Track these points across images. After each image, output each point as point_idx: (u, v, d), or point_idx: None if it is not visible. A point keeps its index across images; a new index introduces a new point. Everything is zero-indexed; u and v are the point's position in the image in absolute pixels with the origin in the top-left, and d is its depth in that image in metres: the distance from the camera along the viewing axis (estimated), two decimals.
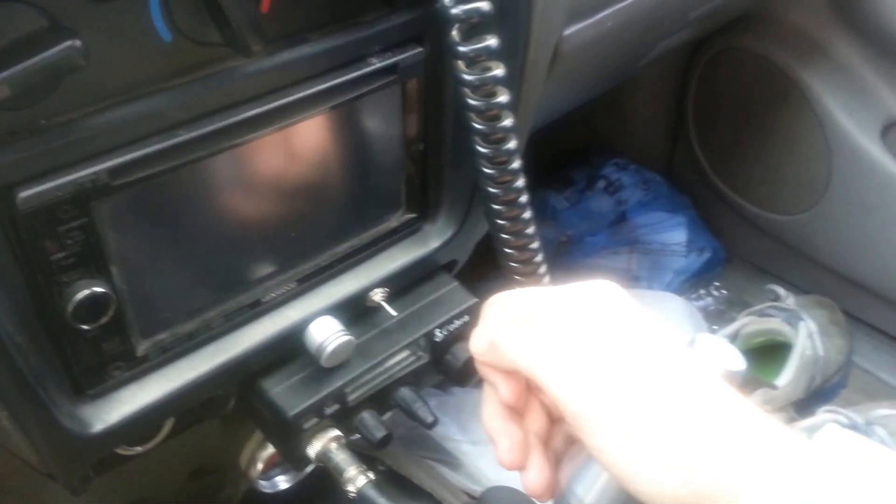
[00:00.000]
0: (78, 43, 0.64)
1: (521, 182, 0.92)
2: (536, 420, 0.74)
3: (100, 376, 0.83)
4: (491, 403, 0.73)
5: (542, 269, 1.01)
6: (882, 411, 1.74)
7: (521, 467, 0.70)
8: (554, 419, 0.74)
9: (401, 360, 1.04)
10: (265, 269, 0.93)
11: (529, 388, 0.73)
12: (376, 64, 0.87)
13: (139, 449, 0.94)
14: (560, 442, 0.75)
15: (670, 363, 0.62)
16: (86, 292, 0.76)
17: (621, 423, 0.60)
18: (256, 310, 0.93)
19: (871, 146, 1.84)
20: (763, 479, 0.56)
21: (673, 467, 0.58)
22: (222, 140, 0.79)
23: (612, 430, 0.60)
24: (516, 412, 0.73)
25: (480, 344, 0.71)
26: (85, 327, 0.78)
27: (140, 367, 0.86)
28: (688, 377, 0.61)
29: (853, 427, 1.65)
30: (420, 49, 0.90)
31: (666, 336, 0.64)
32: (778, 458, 0.57)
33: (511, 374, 0.70)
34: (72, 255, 0.74)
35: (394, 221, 1.03)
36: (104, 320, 0.79)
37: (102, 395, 0.85)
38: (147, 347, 0.86)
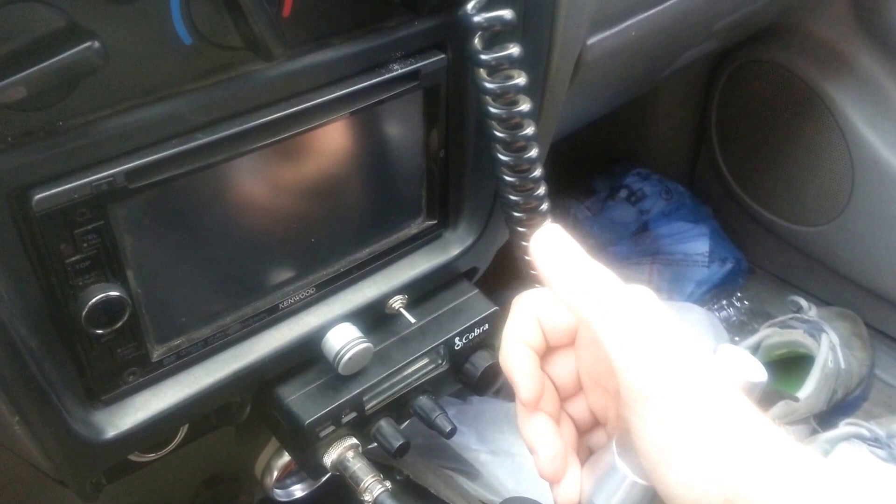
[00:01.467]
0: (97, 44, 0.63)
1: (542, 190, 0.92)
2: (567, 431, 0.73)
3: (114, 382, 0.83)
4: (528, 413, 0.71)
5: None
6: None
7: (560, 478, 0.69)
8: (581, 431, 0.73)
9: (419, 368, 1.03)
10: (283, 274, 0.92)
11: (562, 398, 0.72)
12: (398, 70, 0.87)
13: (152, 456, 0.93)
14: (585, 454, 0.74)
15: (703, 365, 0.61)
16: (101, 296, 0.75)
17: (673, 416, 0.59)
18: (274, 316, 0.93)
19: (894, 159, 1.83)
20: (777, 494, 0.56)
21: (707, 474, 0.57)
22: (242, 144, 0.78)
23: (663, 421, 0.59)
24: (553, 420, 0.71)
25: (563, 260, 0.66)
26: (99, 332, 0.77)
27: (155, 373, 0.85)
28: (723, 388, 0.60)
29: (875, 440, 1.65)
30: (442, 56, 0.90)
31: (699, 347, 0.63)
32: (792, 473, 0.57)
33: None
34: (87, 259, 0.73)
35: (414, 228, 1.02)
36: (119, 325, 0.78)
37: (116, 401, 0.84)
38: (162, 353, 0.85)
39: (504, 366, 0.70)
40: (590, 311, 0.63)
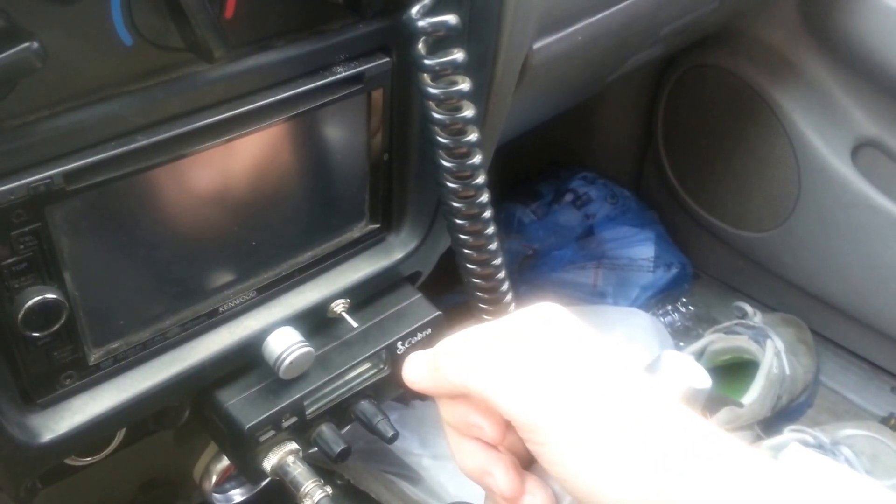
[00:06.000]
0: (35, 45, 0.62)
1: (484, 197, 0.91)
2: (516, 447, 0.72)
3: (50, 385, 0.82)
4: (463, 445, 0.70)
5: (505, 285, 1.00)
6: (848, 431, 1.75)
7: (519, 496, 0.68)
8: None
9: (361, 372, 1.03)
10: (224, 277, 0.91)
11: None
12: (342, 73, 0.86)
13: (89, 460, 0.93)
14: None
15: (617, 377, 0.61)
16: (37, 299, 0.74)
17: (569, 431, 0.59)
18: (214, 319, 0.92)
19: (840, 166, 1.85)
20: (709, 492, 0.56)
21: (617, 478, 0.57)
22: (182, 146, 0.78)
23: (561, 439, 0.59)
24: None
25: (418, 370, 0.68)
26: (35, 335, 0.76)
27: (92, 377, 0.85)
28: (634, 391, 0.61)
29: (819, 447, 1.66)
30: (387, 59, 0.90)
31: (611, 352, 0.63)
32: (725, 470, 0.57)
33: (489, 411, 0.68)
34: (23, 261, 0.73)
35: (357, 232, 1.02)
36: (55, 328, 0.77)
37: (52, 405, 0.83)
38: (99, 356, 0.84)
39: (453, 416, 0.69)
40: (457, 385, 0.65)
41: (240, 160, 0.85)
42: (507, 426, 0.67)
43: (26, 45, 0.62)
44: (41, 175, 0.70)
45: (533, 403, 0.60)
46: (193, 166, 0.81)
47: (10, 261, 0.72)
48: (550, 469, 0.61)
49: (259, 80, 0.81)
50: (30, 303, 0.74)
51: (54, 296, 0.75)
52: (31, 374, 0.80)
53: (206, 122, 0.78)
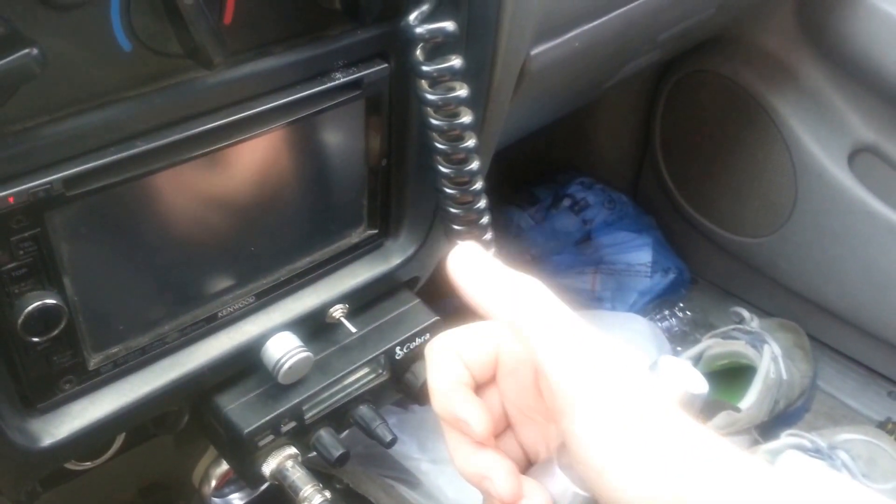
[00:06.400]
0: (35, 51, 0.62)
1: (482, 203, 0.92)
2: (513, 450, 0.72)
3: (50, 390, 0.82)
4: (462, 448, 0.69)
5: None
6: (845, 436, 1.75)
7: (518, 499, 0.67)
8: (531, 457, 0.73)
9: (360, 377, 1.03)
10: (223, 283, 0.92)
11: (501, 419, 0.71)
12: (340, 79, 0.86)
13: (89, 464, 0.93)
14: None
15: (641, 380, 0.61)
16: (37, 304, 0.74)
17: (605, 414, 0.59)
18: (213, 324, 0.92)
19: (837, 171, 1.85)
20: (720, 493, 0.56)
21: (649, 480, 0.57)
22: (181, 152, 0.78)
23: (595, 421, 0.59)
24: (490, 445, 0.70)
25: (479, 268, 0.66)
26: (35, 340, 0.76)
27: (91, 381, 0.85)
28: (659, 397, 0.60)
29: (816, 451, 1.66)
30: (385, 65, 0.90)
31: (632, 356, 0.63)
32: (738, 480, 0.56)
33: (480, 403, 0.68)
34: (23, 266, 0.73)
35: (355, 237, 1.02)
36: (55, 333, 0.77)
37: (52, 409, 0.83)
38: (99, 361, 0.84)
39: (445, 409, 0.66)
40: (514, 315, 0.62)
41: (238, 166, 0.85)
42: (496, 425, 0.67)
43: (26, 51, 0.62)
44: (41, 181, 0.70)
45: (577, 374, 0.60)
46: (192, 172, 0.81)
47: (9, 266, 0.72)
48: (573, 444, 0.60)
49: (258, 85, 0.81)
50: (29, 308, 0.74)
51: (54, 301, 0.76)
52: (30, 379, 0.80)
53: (204, 127, 0.78)
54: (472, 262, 0.66)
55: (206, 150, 0.79)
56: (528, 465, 0.71)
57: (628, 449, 0.58)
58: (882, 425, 1.92)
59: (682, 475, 0.57)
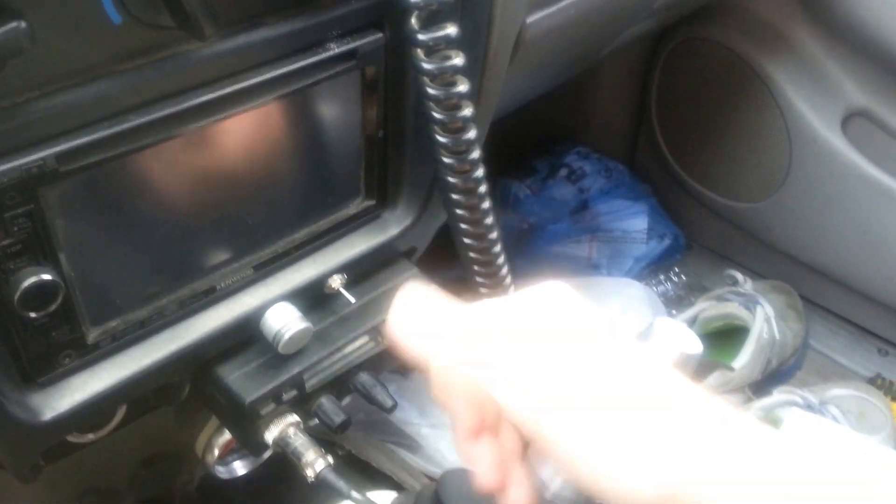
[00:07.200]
0: (23, 25, 0.62)
1: (480, 172, 0.92)
2: (510, 438, 0.72)
3: (49, 364, 0.82)
4: (458, 431, 0.70)
5: (501, 258, 1.00)
6: (835, 391, 1.79)
7: (502, 487, 0.68)
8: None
9: (359, 346, 1.03)
10: (221, 255, 0.92)
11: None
12: (335, 49, 0.86)
13: (91, 437, 0.93)
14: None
15: (627, 362, 0.61)
16: (33, 280, 0.74)
17: (583, 423, 0.59)
18: (212, 297, 0.92)
19: (831, 136, 1.85)
20: (725, 472, 0.56)
21: (643, 465, 0.57)
22: (175, 125, 0.77)
23: (575, 432, 0.59)
24: (488, 432, 0.70)
25: (413, 327, 0.68)
26: (33, 315, 0.77)
27: (91, 355, 0.85)
28: (645, 375, 0.60)
29: (808, 406, 1.68)
30: (380, 35, 0.89)
31: (619, 334, 0.63)
32: (740, 450, 0.56)
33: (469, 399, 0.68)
34: (18, 242, 0.73)
35: (352, 208, 1.02)
36: (53, 308, 0.77)
37: (52, 383, 0.83)
38: (98, 335, 0.84)
39: (440, 399, 0.67)
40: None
41: (233, 138, 0.85)
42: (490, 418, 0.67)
43: (14, 25, 0.61)
44: (34, 157, 0.69)
45: (541, 402, 0.60)
46: (187, 145, 0.81)
47: (4, 243, 0.72)
48: (567, 462, 0.60)
49: (251, 57, 0.81)
50: (26, 284, 0.74)
51: (50, 277, 0.76)
52: (30, 354, 0.80)
53: (198, 100, 0.77)
54: (408, 326, 0.68)
55: (201, 124, 0.79)
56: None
57: (620, 451, 0.58)
58: (872, 381, 1.96)
59: (678, 466, 0.57)
